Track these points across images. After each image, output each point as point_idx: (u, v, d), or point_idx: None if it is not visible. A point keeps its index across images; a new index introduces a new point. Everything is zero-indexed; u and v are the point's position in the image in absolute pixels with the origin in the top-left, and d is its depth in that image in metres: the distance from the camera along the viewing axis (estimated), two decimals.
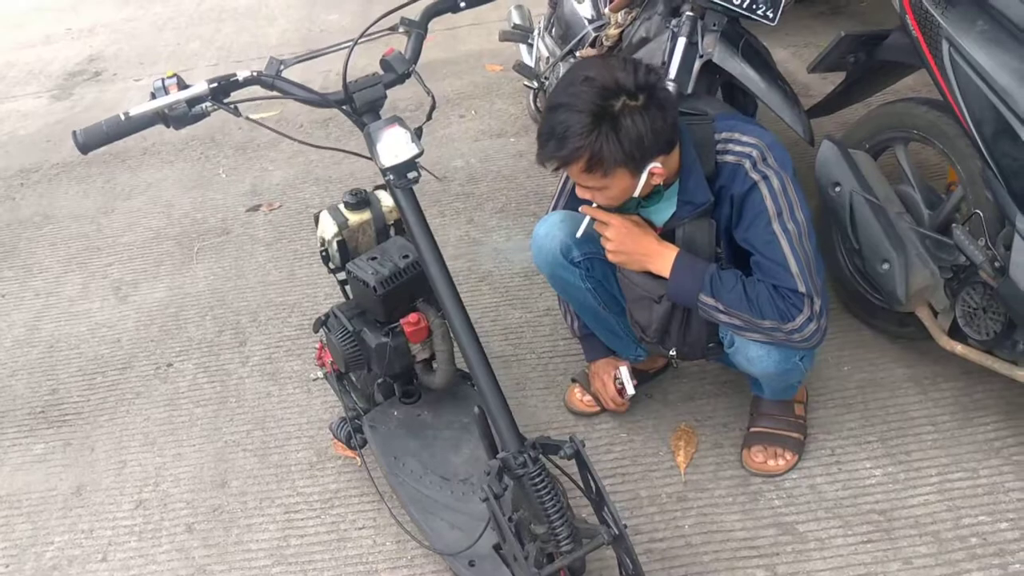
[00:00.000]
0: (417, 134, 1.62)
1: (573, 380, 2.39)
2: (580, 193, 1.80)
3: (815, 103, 2.69)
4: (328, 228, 2.02)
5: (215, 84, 1.48)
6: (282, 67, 1.56)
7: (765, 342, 1.80)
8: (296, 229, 3.34)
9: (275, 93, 1.55)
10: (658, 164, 1.68)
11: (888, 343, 2.42)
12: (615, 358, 2.27)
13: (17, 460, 2.42)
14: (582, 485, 1.66)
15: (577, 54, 3.17)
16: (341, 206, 2.05)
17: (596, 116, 1.59)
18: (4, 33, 6.30)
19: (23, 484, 2.34)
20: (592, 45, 3.16)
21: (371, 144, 1.57)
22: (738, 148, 1.74)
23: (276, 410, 2.49)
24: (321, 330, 2.10)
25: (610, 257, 1.86)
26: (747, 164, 1.72)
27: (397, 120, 1.58)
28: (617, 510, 1.57)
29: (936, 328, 2.15)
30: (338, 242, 2.01)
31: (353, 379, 2.22)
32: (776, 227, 1.70)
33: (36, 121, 4.72)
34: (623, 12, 2.96)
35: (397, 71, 1.61)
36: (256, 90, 1.56)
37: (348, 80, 1.57)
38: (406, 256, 1.94)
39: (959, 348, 2.09)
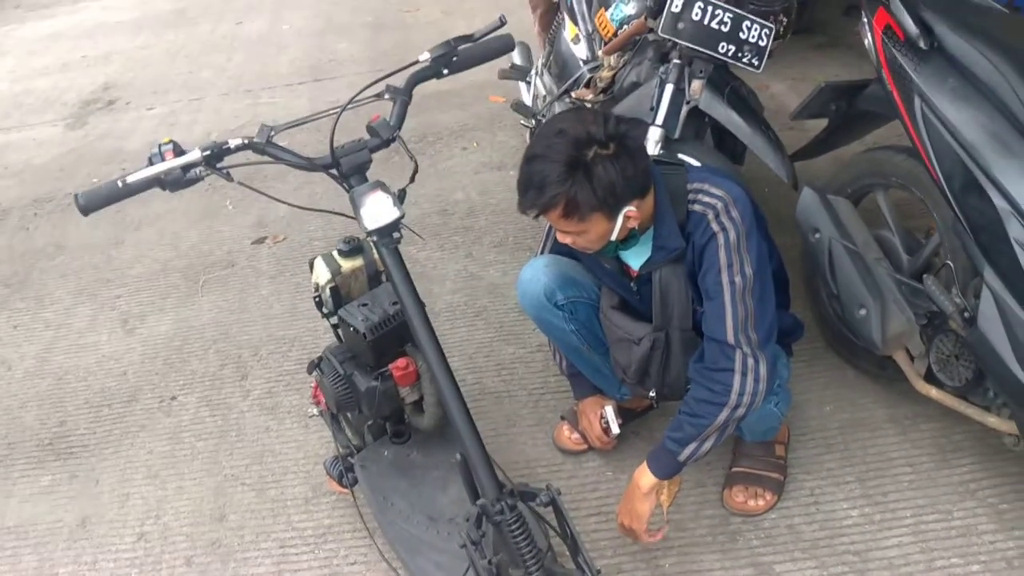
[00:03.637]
0: (400, 197, 1.70)
1: (562, 418, 2.46)
2: (560, 238, 1.87)
3: (799, 147, 2.75)
4: (322, 274, 2.10)
5: (208, 151, 1.57)
6: (272, 133, 1.64)
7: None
8: (299, 262, 3.42)
9: (266, 158, 1.63)
10: (633, 208, 1.75)
11: (870, 383, 2.48)
12: (602, 397, 2.34)
13: (25, 492, 2.51)
14: (559, 530, 1.72)
15: (572, 94, 3.25)
16: (335, 253, 2.13)
17: (570, 165, 1.67)
18: (22, 60, 6.46)
19: (30, 516, 2.43)
20: (587, 86, 3.24)
21: (355, 208, 1.65)
22: (706, 199, 1.81)
23: (275, 444, 2.57)
24: (315, 371, 2.18)
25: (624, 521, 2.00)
26: (711, 215, 1.79)
27: (380, 185, 1.66)
28: (590, 556, 1.64)
29: (912, 372, 2.20)
30: (331, 288, 2.09)
31: (349, 416, 2.30)
32: (724, 279, 1.77)
33: (51, 150, 4.84)
34: (616, 55, 3.04)
35: (382, 136, 1.70)
36: (249, 154, 1.64)
37: (335, 145, 1.65)
38: (395, 303, 2.01)
39: (934, 392, 2.15)
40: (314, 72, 5.40)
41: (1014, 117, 1.84)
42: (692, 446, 1.83)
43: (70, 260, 3.66)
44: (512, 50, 1.94)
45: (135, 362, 2.99)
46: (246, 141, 1.62)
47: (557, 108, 3.30)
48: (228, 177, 1.59)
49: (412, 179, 1.81)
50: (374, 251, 2.14)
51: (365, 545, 2.19)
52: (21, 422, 2.78)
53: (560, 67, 3.44)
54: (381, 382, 2.02)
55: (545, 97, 3.47)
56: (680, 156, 2.66)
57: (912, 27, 2.05)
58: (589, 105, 3.20)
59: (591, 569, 1.62)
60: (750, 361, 1.77)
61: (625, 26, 2.96)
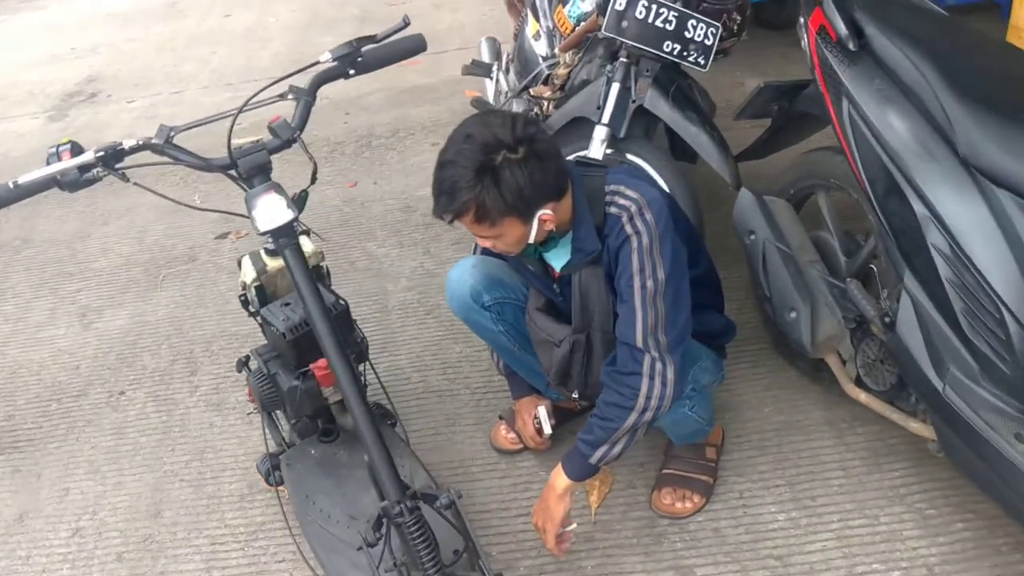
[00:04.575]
0: (301, 199, 1.70)
1: (500, 417, 2.46)
2: (480, 243, 1.87)
3: (745, 148, 2.73)
4: (248, 273, 2.10)
5: (102, 152, 1.57)
6: (172, 134, 1.64)
7: (663, 419, 1.89)
8: None
9: (166, 159, 1.63)
10: (548, 211, 1.74)
11: (811, 385, 2.46)
12: (537, 397, 2.33)
13: None
14: (461, 532, 1.72)
15: (531, 91, 3.24)
16: (262, 251, 2.13)
17: (479, 171, 1.66)
18: (12, 52, 6.50)
19: None
20: (545, 83, 3.23)
21: (248, 209, 1.65)
22: (621, 201, 1.80)
23: (216, 440, 2.58)
24: (244, 369, 2.19)
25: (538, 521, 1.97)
26: (624, 217, 1.78)
27: (274, 187, 1.66)
28: (488, 560, 1.64)
29: (844, 376, 2.19)
30: (256, 287, 2.09)
31: (288, 413, 2.30)
32: (636, 283, 1.76)
33: (31, 142, 4.86)
34: (571, 52, 3.03)
35: (282, 137, 1.69)
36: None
37: (234, 146, 1.65)
38: None
39: (863, 397, 2.14)
40: (296, 66, 5.34)
41: (935, 121, 1.83)
42: (603, 449, 1.82)
43: (36, 253, 3.68)
44: (423, 50, 1.93)
45: (88, 356, 3.00)
46: (141, 142, 1.62)
47: (515, 105, 3.29)
48: (124, 178, 1.60)
49: (313, 180, 1.81)
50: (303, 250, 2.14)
51: (295, 543, 2.19)
52: None
53: (522, 64, 3.43)
54: (303, 381, 2.02)
55: (507, 93, 3.46)
56: (628, 156, 2.66)
57: (842, 28, 2.03)
58: (546, 102, 3.20)
59: (487, 572, 1.62)
60: (658, 365, 1.76)
61: (583, 23, 2.96)
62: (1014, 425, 1.71)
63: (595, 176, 1.87)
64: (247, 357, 2.16)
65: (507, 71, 3.63)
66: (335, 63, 1.74)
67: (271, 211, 1.62)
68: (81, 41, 6.49)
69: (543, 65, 3.23)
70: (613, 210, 1.82)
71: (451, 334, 2.87)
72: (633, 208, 1.79)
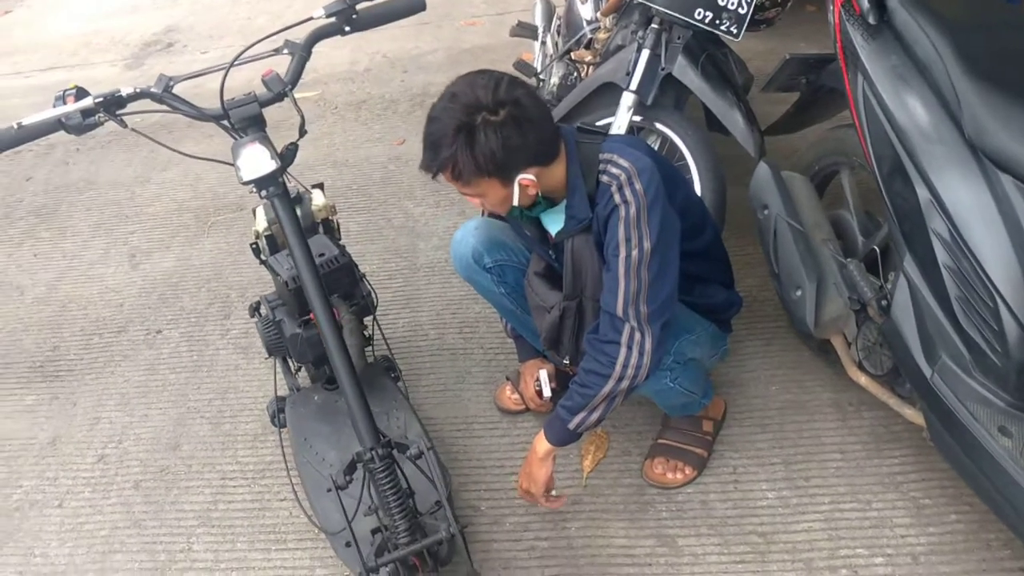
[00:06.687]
0: (290, 152, 1.75)
1: (507, 378, 2.49)
2: (469, 199, 1.89)
3: (773, 121, 2.67)
4: (260, 222, 2.18)
5: (101, 99, 1.65)
6: (171, 83, 1.71)
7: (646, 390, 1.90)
8: None
9: (163, 107, 1.70)
10: (530, 176, 1.75)
11: (824, 366, 2.42)
12: (542, 360, 2.36)
13: (8, 409, 2.70)
14: (432, 483, 1.77)
15: (573, 55, 3.23)
16: None
17: (456, 130, 1.68)
18: (100, 1, 6.73)
19: (9, 431, 2.62)
20: (587, 47, 3.21)
21: (234, 158, 1.70)
22: (613, 170, 1.79)
23: (240, 382, 2.69)
24: (255, 315, 2.27)
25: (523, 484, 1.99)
26: (614, 186, 1.77)
27: (259, 138, 1.71)
28: (454, 510, 1.69)
29: (847, 357, 2.15)
30: (267, 236, 2.16)
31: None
32: (621, 252, 1.75)
33: (105, 88, 5.03)
34: (611, 17, 3.00)
35: (273, 91, 1.74)
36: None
37: (231, 96, 1.71)
38: (322, 254, 2.08)
39: (863, 380, 2.10)
40: None
41: (945, 101, 1.76)
42: (581, 415, 1.84)
43: (97, 195, 3.86)
44: (422, 10, 1.95)
45: (132, 295, 3.15)
46: (139, 90, 1.69)
47: (555, 68, 3.28)
48: (122, 123, 1.67)
49: (301, 133, 1.85)
50: (312, 203, 2.21)
51: (297, 484, 2.29)
52: (21, 344, 2.98)
53: (568, 27, 3.41)
54: (305, 329, 2.09)
55: (551, 56, 3.45)
56: (656, 124, 2.64)
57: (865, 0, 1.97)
58: (586, 66, 3.18)
59: (453, 524, 1.67)
60: (637, 335, 1.77)
61: None
62: (999, 418, 1.67)
63: (592, 143, 1.86)
64: (258, 303, 2.24)
65: (559, 34, 3.62)
66: (330, 19, 1.77)
67: (255, 161, 1.67)
68: None
69: (587, 29, 3.22)
70: (604, 178, 1.82)
71: (472, 294, 2.88)
72: (623, 177, 1.78)
